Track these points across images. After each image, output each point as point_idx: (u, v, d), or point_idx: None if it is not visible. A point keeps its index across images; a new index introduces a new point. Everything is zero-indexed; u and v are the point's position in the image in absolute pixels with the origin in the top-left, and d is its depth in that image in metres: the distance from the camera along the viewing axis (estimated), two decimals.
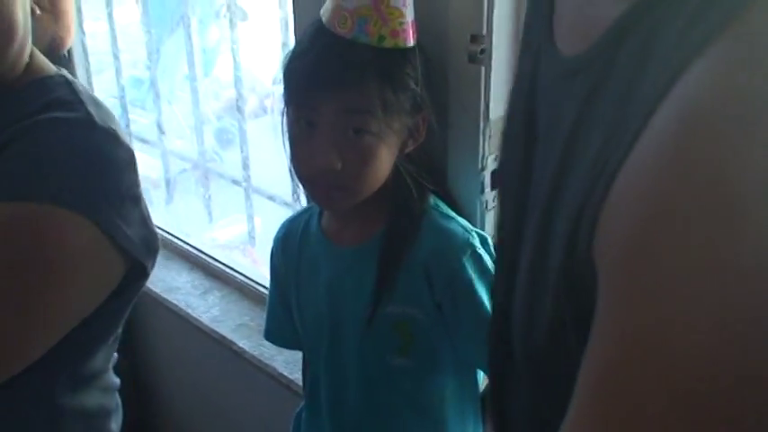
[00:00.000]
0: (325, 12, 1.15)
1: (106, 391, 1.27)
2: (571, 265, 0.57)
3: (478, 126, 1.27)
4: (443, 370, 1.29)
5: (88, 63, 2.53)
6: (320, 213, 1.33)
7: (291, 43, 1.72)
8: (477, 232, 1.24)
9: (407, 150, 1.22)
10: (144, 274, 1.14)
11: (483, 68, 1.23)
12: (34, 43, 1.87)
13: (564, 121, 0.63)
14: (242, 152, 2.11)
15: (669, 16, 0.52)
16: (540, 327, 0.64)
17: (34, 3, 1.78)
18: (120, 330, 1.25)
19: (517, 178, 0.74)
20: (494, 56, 1.23)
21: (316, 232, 1.32)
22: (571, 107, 0.62)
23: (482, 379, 1.35)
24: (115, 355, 1.30)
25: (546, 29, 0.71)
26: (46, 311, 1.05)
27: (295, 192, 1.91)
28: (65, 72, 1.17)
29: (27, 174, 1.02)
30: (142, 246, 1.10)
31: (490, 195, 1.34)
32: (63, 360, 1.12)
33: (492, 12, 1.20)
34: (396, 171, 1.22)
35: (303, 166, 1.19)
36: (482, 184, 1.32)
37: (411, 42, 1.16)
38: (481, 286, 1.21)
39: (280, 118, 1.24)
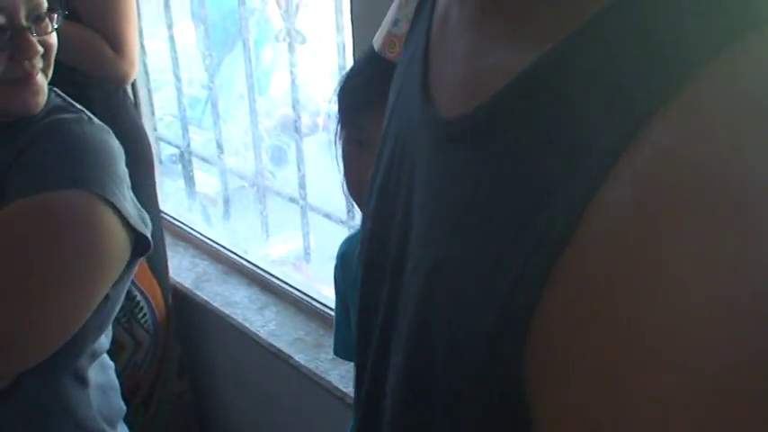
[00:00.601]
0: (377, 39, 1.20)
1: (105, 368, 1.38)
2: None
3: None
4: None
5: (149, 82, 2.60)
6: None
7: (348, 65, 1.78)
8: None
9: None
10: (147, 246, 1.25)
11: None
12: (102, 79, 1.96)
13: (453, 187, 0.56)
14: (299, 171, 2.16)
15: (598, 70, 0.47)
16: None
17: (104, 44, 1.87)
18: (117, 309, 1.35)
19: (390, 251, 0.66)
20: None
21: None
22: (463, 171, 0.55)
23: None
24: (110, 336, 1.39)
25: (421, 90, 0.63)
26: (87, 286, 1.17)
27: (350, 210, 1.96)
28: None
29: (53, 167, 1.16)
30: (140, 222, 1.23)
31: None
32: (88, 334, 1.23)
33: None
34: None
35: (354, 185, 1.24)
36: None
37: None
38: None
39: (333, 137, 1.29)
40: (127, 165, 2.03)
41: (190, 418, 2.45)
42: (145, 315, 2.18)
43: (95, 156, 1.20)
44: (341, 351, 1.53)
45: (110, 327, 1.32)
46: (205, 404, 2.49)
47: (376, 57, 1.19)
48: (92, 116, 1.27)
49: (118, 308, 1.31)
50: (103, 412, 1.32)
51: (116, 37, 1.90)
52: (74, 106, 1.28)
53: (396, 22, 1.16)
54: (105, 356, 1.37)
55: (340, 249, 1.46)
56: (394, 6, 1.16)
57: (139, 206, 1.27)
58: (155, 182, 2.22)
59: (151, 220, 2.13)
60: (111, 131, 1.27)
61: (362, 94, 1.19)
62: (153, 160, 2.21)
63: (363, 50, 1.26)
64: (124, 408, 1.41)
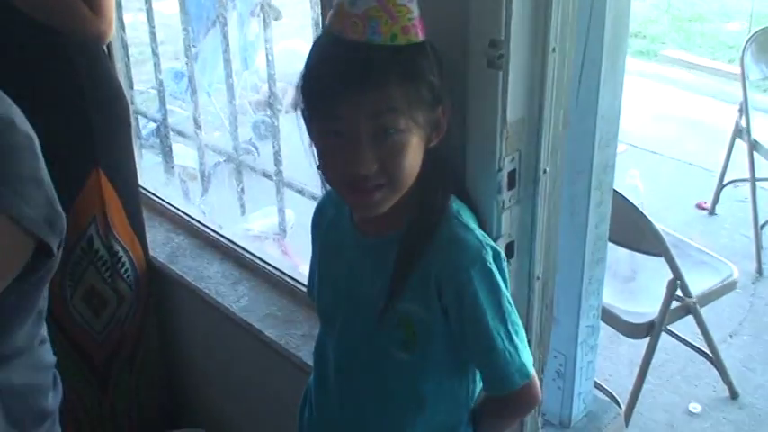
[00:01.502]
0: (331, 22, 1.17)
1: (36, 368, 1.31)
2: None
3: (496, 128, 1.31)
4: (440, 369, 1.34)
5: (127, 57, 2.59)
6: None
7: None
8: (491, 246, 1.26)
9: (432, 144, 1.24)
10: (50, 253, 1.18)
11: (501, 73, 1.27)
12: (78, 38, 1.96)
13: None
14: (273, 147, 2.16)
15: None
16: None
17: (80, 3, 1.87)
18: (41, 308, 1.29)
19: None
20: (511, 61, 1.27)
21: (347, 217, 1.36)
22: None
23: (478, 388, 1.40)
24: (44, 332, 1.33)
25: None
26: None
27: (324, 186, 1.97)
28: None
29: None
30: (46, 225, 1.15)
31: (507, 195, 1.37)
32: None
33: (510, 18, 1.24)
34: (422, 169, 1.24)
35: (339, 175, 1.21)
36: (499, 184, 1.35)
37: (422, 36, 1.18)
38: (487, 301, 1.24)
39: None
40: (108, 128, 2.06)
41: (160, 390, 2.47)
42: (127, 270, 2.21)
43: None
44: (311, 293, 1.56)
45: (25, 329, 1.26)
46: (177, 377, 2.50)
47: (335, 40, 1.16)
48: None
49: (28, 312, 1.25)
50: (14, 413, 1.26)
51: None
52: None
53: (353, 2, 1.13)
54: (35, 356, 1.30)
55: (319, 203, 1.48)
56: None
57: (54, 204, 1.19)
58: (133, 145, 2.26)
59: (129, 181, 2.17)
60: (15, 125, 1.15)
61: (333, 82, 1.15)
62: (131, 123, 2.23)
63: (318, 39, 1.23)
64: (51, 410, 1.34)
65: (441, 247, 1.25)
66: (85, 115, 2.02)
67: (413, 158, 1.20)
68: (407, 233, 1.27)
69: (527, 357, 1.29)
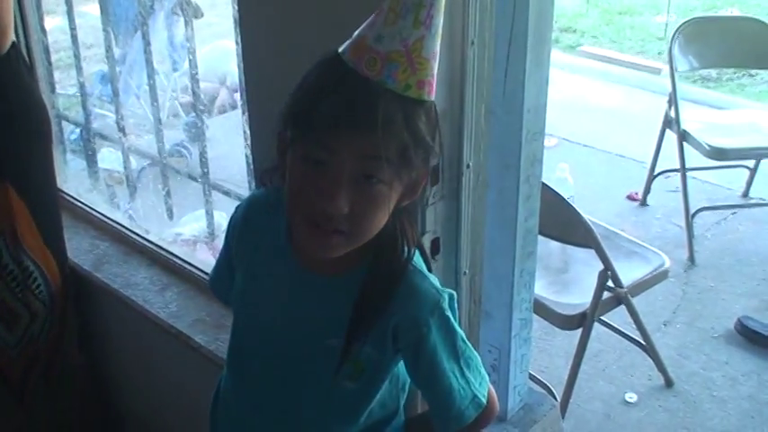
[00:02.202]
0: (347, 49, 1.12)
1: None
2: None
3: None
4: (380, 391, 1.33)
5: (48, 61, 2.52)
6: (287, 228, 1.30)
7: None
8: (447, 293, 1.26)
9: (402, 205, 1.20)
10: None
11: None
12: None
13: None
14: (199, 149, 2.12)
15: None
16: None
17: None
18: None
19: None
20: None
21: (284, 247, 1.29)
22: None
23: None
24: None
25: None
26: None
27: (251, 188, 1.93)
28: None
29: None
30: None
31: (430, 191, 1.35)
32: None
33: None
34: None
35: (307, 204, 1.15)
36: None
37: (433, 96, 1.14)
38: (443, 348, 1.25)
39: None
40: (17, 141, 1.99)
41: (89, 400, 2.42)
42: (39, 285, 2.14)
43: None
44: (216, 289, 1.55)
45: None
46: (107, 386, 2.45)
47: (348, 71, 1.10)
48: None
49: None
50: None
51: None
52: None
53: (379, 39, 1.09)
54: None
55: (245, 211, 1.39)
56: (375, 21, 1.10)
57: None
58: (52, 155, 2.18)
59: (43, 195, 2.10)
60: None
61: (338, 115, 1.09)
62: (49, 133, 2.16)
63: (326, 63, 1.15)
64: None
65: (400, 297, 1.23)
66: None
67: (383, 213, 1.16)
68: (373, 277, 1.23)
69: (480, 385, 1.30)
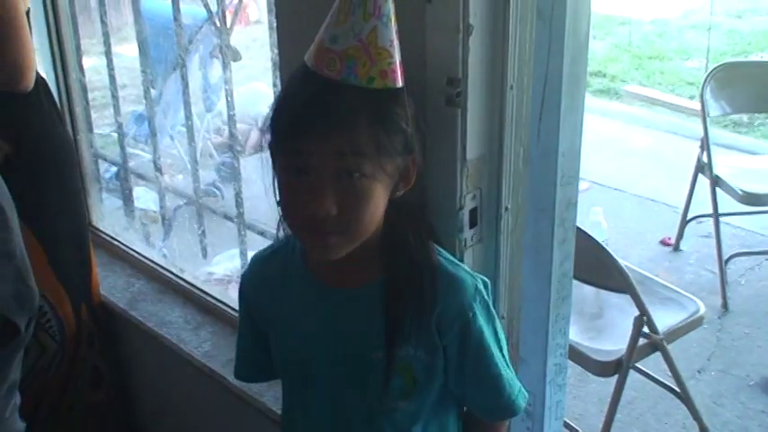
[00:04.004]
0: (310, 56, 1.15)
1: None
2: None
3: (456, 166, 1.30)
4: (433, 412, 1.32)
5: (86, 100, 2.56)
6: (301, 254, 1.32)
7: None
8: (480, 278, 1.28)
9: (398, 194, 1.21)
10: (16, 331, 1.11)
11: (459, 110, 1.26)
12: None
13: None
14: (234, 189, 2.14)
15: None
16: None
17: None
18: (14, 379, 1.23)
19: None
20: (469, 98, 1.26)
21: (301, 272, 1.31)
22: None
23: None
24: (16, 401, 1.28)
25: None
26: None
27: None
28: None
29: None
30: (13, 302, 1.09)
31: (469, 233, 1.36)
32: None
33: (467, 56, 1.24)
34: (388, 216, 1.22)
35: (296, 214, 1.18)
36: (460, 222, 1.34)
37: (400, 83, 1.15)
38: (489, 333, 1.26)
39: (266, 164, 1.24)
40: (31, 179, 2.00)
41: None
42: (49, 320, 2.15)
43: None
44: (245, 372, 1.53)
45: (7, 400, 1.21)
46: (139, 423, 2.45)
47: (311, 75, 1.13)
48: None
49: (3, 385, 1.19)
50: None
51: None
52: None
53: (334, 39, 1.11)
54: (5, 427, 1.26)
55: (253, 268, 1.42)
56: (329, 22, 1.12)
57: (26, 279, 1.13)
58: (78, 187, 2.20)
59: (57, 233, 2.11)
60: None
61: (302, 117, 1.12)
62: (72, 170, 2.18)
63: (293, 70, 1.20)
64: None
65: (440, 288, 1.23)
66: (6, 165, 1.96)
67: (374, 207, 1.17)
68: (393, 278, 1.24)
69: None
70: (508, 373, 1.29)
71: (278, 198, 1.21)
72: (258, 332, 1.42)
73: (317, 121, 1.11)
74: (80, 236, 2.24)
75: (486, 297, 1.26)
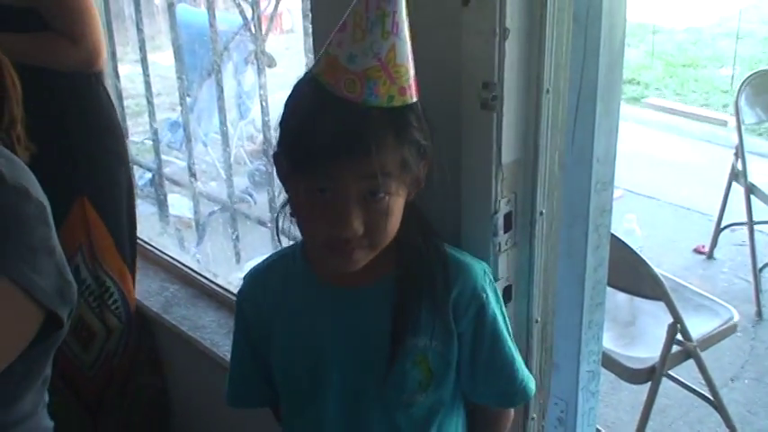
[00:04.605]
0: (321, 71, 1.11)
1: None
2: None
3: (491, 170, 1.30)
4: (447, 406, 1.33)
5: (122, 106, 2.59)
6: (303, 258, 1.31)
7: None
8: (483, 263, 1.31)
9: (411, 197, 1.22)
10: (60, 323, 1.16)
11: (495, 114, 1.27)
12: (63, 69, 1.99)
13: None
14: (268, 194, 2.15)
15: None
16: None
17: (60, 38, 1.90)
18: (47, 375, 1.26)
19: None
20: (505, 102, 1.26)
21: (306, 277, 1.31)
22: None
23: None
24: (46, 397, 1.30)
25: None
26: None
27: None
28: None
29: None
30: (57, 296, 1.13)
31: (503, 238, 1.36)
32: None
33: (503, 59, 1.24)
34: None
35: (320, 233, 1.16)
36: (495, 226, 1.34)
37: (416, 97, 1.14)
38: (500, 316, 1.29)
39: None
40: (95, 158, 2.05)
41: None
42: (116, 301, 2.19)
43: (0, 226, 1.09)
44: (240, 398, 1.49)
45: (31, 395, 1.23)
46: (173, 427, 2.47)
47: (329, 95, 1.10)
48: (5, 177, 1.11)
49: (36, 378, 1.23)
50: None
51: (72, 28, 1.95)
52: None
53: (352, 59, 1.08)
54: (36, 421, 1.27)
55: (252, 282, 1.39)
56: (342, 39, 1.09)
57: (65, 274, 1.17)
58: (129, 174, 2.26)
59: (117, 211, 2.15)
60: (29, 194, 1.13)
61: (329, 143, 1.09)
62: (126, 157, 2.22)
63: (305, 88, 1.15)
64: None
65: (452, 275, 1.25)
66: (69, 144, 2.02)
67: (396, 219, 1.18)
68: (405, 273, 1.25)
69: None
70: (518, 358, 1.32)
71: (297, 213, 1.21)
72: (255, 355, 1.40)
73: (346, 148, 1.10)
74: (132, 211, 2.29)
75: (493, 281, 1.30)
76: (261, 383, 1.42)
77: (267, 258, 1.41)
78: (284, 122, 1.17)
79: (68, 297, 1.16)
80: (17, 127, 1.23)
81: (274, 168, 1.26)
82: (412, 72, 1.13)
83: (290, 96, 1.18)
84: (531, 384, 1.34)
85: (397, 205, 1.17)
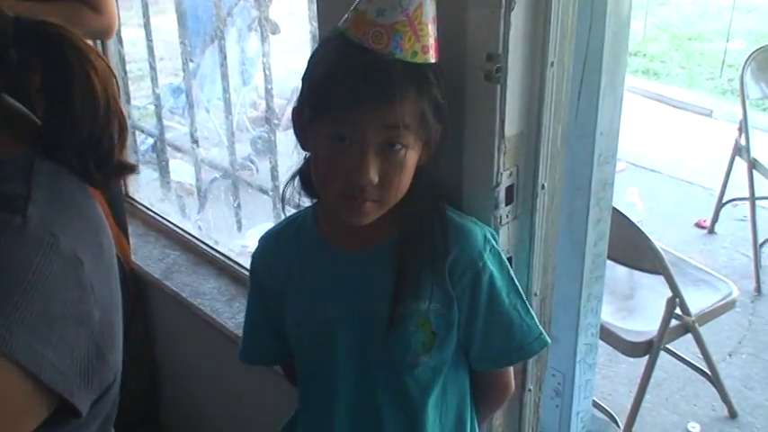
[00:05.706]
0: (349, 26, 1.15)
1: None
2: None
3: (493, 143, 1.30)
4: (451, 365, 1.34)
5: (124, 71, 2.58)
6: (314, 222, 1.35)
7: None
8: (487, 228, 1.31)
9: (423, 161, 1.24)
10: (75, 413, 0.86)
11: (498, 86, 1.26)
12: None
13: None
14: (270, 162, 2.15)
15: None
16: None
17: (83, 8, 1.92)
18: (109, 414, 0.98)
19: None
20: (509, 74, 1.26)
21: (315, 239, 1.35)
22: None
23: None
24: None
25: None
26: None
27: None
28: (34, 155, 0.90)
29: None
30: (76, 377, 0.85)
31: (504, 210, 1.36)
32: None
33: (508, 31, 1.23)
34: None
35: (336, 181, 1.19)
36: (496, 199, 1.34)
37: (437, 58, 1.18)
38: (501, 281, 1.28)
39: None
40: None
41: (151, 407, 2.45)
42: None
43: (9, 287, 0.79)
44: (252, 354, 1.54)
45: None
46: (169, 395, 2.48)
47: (355, 46, 1.13)
48: (31, 224, 0.82)
49: None
50: None
51: None
52: (24, 200, 0.84)
53: (381, 12, 1.12)
54: None
55: (266, 245, 1.42)
56: None
57: (105, 351, 0.89)
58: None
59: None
60: (58, 247, 0.83)
61: (355, 89, 1.13)
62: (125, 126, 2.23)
63: (332, 43, 1.18)
64: None
65: (450, 239, 1.26)
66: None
67: (408, 175, 1.21)
68: (407, 236, 1.27)
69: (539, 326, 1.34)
70: (524, 319, 1.31)
71: (314, 163, 1.23)
72: (269, 312, 1.44)
73: (371, 94, 1.13)
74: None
75: (495, 245, 1.29)
76: (273, 340, 1.46)
77: (279, 223, 1.46)
78: (308, 75, 1.20)
79: (97, 382, 0.88)
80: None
81: (290, 125, 1.28)
82: (435, 33, 1.17)
83: (313, 53, 1.22)
84: (536, 346, 1.32)
85: (411, 161, 1.19)
